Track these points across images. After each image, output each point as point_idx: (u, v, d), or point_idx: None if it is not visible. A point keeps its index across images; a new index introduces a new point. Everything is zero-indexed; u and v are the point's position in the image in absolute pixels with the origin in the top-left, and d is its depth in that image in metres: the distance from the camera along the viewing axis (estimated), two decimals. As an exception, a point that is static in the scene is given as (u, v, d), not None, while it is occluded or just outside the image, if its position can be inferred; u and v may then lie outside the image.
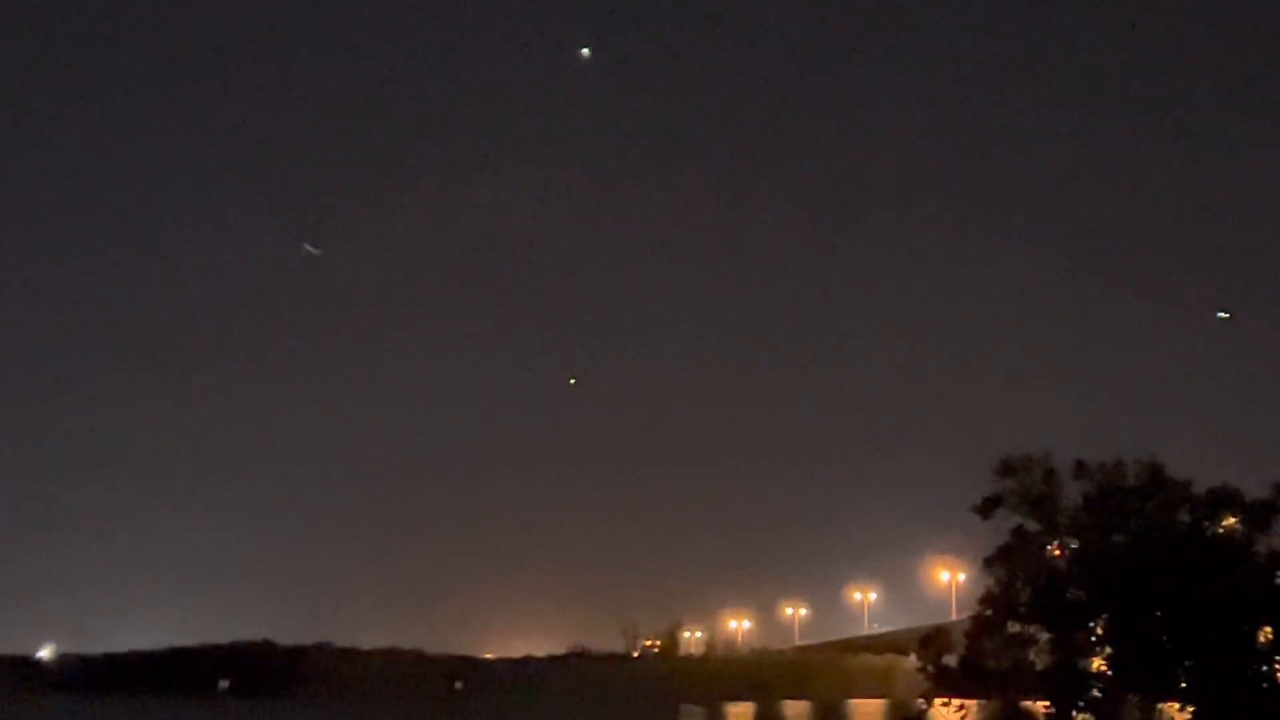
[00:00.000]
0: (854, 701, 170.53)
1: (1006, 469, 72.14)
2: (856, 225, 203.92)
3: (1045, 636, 71.11)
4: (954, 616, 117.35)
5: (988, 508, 72.08)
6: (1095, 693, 68.78)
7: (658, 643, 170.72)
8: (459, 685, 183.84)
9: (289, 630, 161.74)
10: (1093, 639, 70.53)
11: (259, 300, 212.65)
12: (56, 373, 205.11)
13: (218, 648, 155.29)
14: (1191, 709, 65.95)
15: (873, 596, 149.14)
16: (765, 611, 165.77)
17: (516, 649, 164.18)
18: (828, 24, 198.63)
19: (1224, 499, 71.38)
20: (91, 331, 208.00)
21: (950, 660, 74.96)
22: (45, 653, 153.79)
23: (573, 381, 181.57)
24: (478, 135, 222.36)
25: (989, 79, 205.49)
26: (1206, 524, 70.81)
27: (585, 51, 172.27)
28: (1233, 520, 71.00)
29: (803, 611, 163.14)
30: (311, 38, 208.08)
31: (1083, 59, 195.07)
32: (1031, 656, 71.51)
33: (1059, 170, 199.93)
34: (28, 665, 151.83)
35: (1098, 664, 70.56)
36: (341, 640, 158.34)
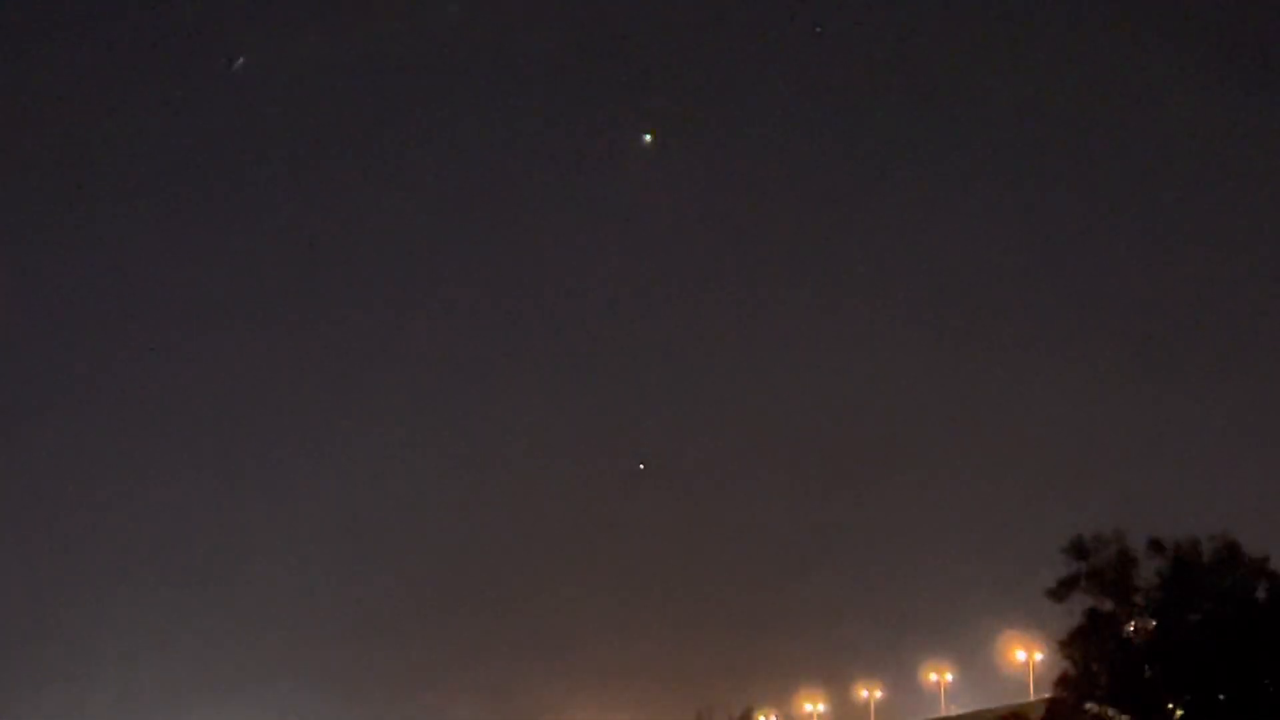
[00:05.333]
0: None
1: (1079, 550, 71.52)
2: (921, 304, 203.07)
3: (1124, 719, 70.30)
4: (1032, 696, 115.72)
5: (1062, 592, 71.39)
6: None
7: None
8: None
9: (365, 714, 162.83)
10: (1173, 720, 69.68)
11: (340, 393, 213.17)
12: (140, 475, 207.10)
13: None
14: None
15: (949, 677, 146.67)
16: (839, 693, 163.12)
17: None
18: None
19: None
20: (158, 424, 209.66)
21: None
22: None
23: (641, 467, 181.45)
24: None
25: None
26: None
27: (648, 138, 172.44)
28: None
29: (878, 693, 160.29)
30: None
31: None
32: (1111, 739, 70.80)
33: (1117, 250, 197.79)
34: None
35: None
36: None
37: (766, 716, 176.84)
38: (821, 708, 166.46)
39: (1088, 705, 71.49)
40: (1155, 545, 71.70)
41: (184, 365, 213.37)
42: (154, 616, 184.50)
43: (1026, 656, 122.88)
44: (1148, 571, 71.74)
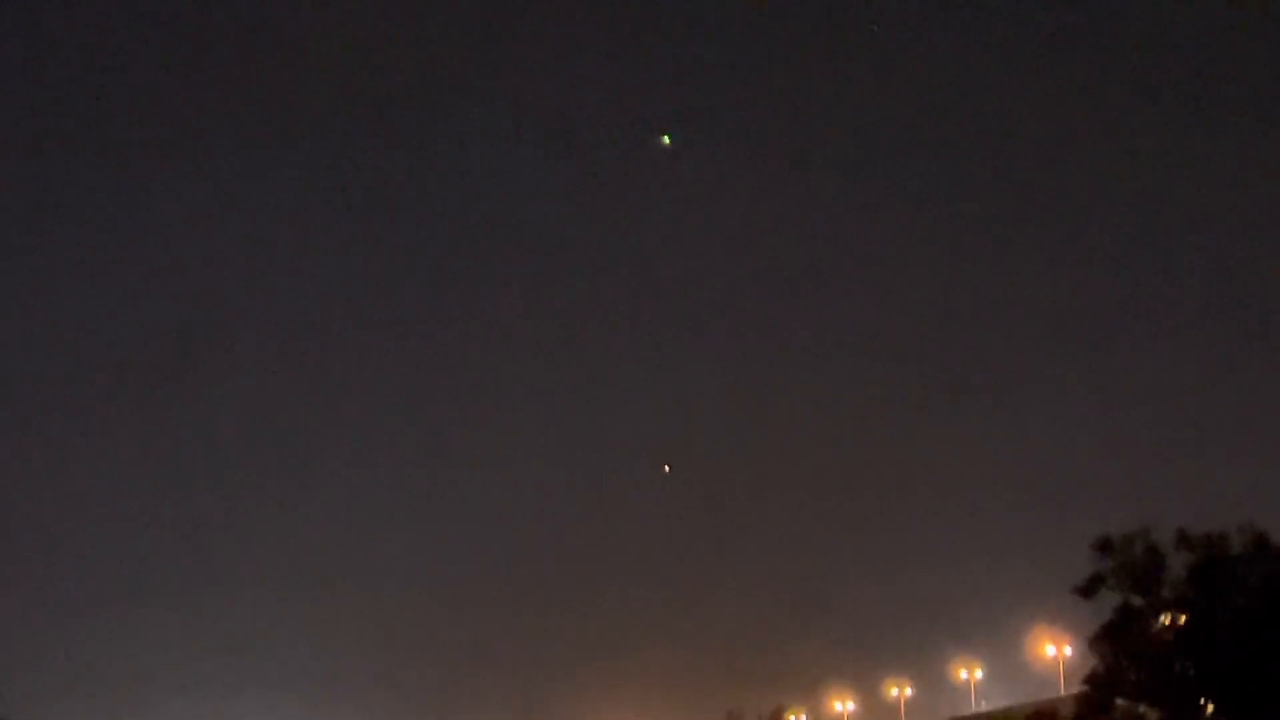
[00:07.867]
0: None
1: (1106, 546, 71.06)
2: (946, 304, 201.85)
3: (1154, 715, 69.85)
4: (1062, 692, 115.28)
5: (1090, 589, 70.95)
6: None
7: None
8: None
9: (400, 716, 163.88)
10: (1203, 717, 69.17)
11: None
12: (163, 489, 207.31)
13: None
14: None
15: (979, 673, 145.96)
16: (869, 691, 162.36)
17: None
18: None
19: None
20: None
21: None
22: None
23: (667, 470, 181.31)
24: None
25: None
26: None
27: (666, 139, 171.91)
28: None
29: (908, 691, 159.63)
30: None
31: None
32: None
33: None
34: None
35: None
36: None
37: (797, 715, 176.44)
38: (851, 706, 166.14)
39: (1118, 701, 71.03)
40: (1183, 539, 71.14)
41: (202, 372, 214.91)
42: (173, 622, 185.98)
43: (1056, 652, 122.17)
44: (1176, 566, 71.23)
